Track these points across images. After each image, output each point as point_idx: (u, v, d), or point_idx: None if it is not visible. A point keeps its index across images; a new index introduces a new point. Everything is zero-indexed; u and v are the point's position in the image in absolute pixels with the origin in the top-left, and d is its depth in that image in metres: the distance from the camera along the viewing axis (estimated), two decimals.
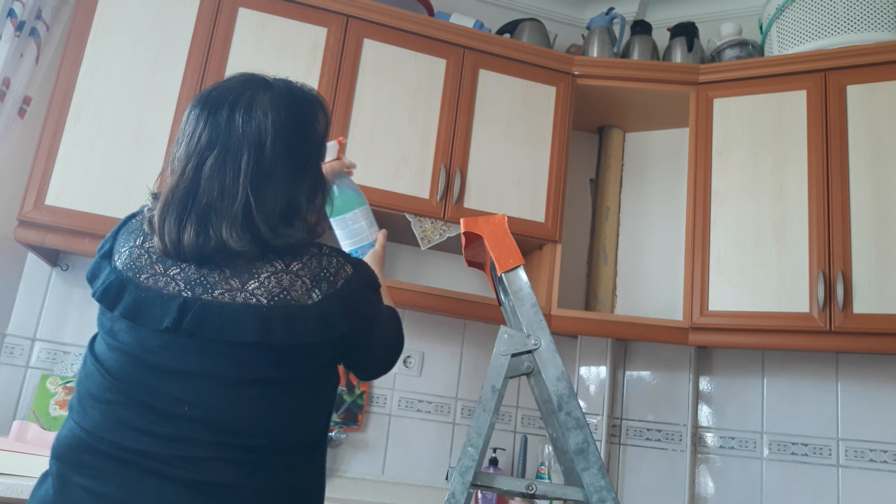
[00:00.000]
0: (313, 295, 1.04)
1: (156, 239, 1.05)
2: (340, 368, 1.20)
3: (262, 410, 1.01)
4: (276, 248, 1.06)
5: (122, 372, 1.01)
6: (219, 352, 1.00)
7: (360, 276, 1.13)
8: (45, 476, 1.03)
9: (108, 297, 1.04)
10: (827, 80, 2.31)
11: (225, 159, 1.04)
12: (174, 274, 1.03)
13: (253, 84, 1.11)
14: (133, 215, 1.16)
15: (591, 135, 2.90)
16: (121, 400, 0.99)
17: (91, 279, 1.09)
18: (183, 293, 1.01)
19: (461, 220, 1.40)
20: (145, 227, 1.09)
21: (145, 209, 1.12)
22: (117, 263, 1.06)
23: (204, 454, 0.97)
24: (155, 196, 1.10)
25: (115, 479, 0.96)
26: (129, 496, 0.95)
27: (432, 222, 2.33)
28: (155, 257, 1.05)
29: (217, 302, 1.01)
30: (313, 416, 1.10)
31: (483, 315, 2.32)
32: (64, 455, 1.00)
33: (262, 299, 1.01)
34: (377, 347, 1.23)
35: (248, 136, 1.05)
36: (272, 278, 1.03)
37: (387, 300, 1.32)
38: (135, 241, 1.08)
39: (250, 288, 1.02)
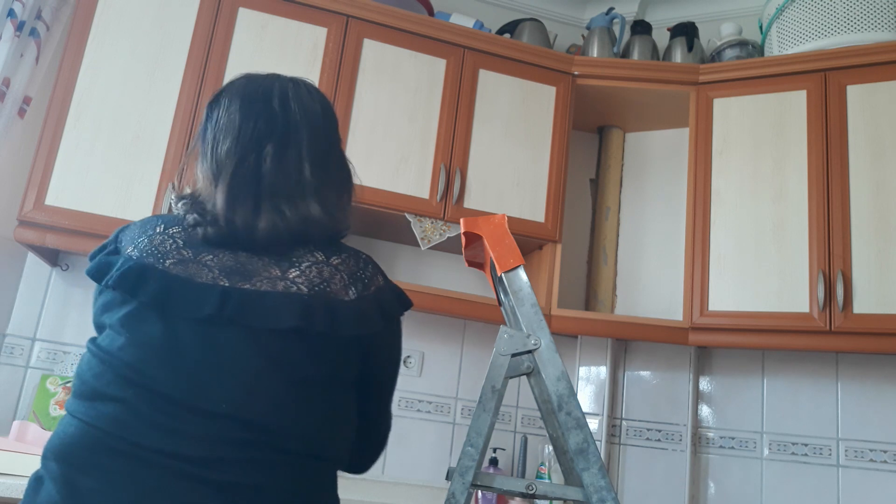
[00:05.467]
0: (350, 292, 1.03)
1: (209, 230, 1.01)
2: None
3: (299, 411, 0.97)
4: (337, 231, 1.08)
5: (143, 366, 0.93)
6: (257, 344, 0.95)
7: (392, 290, 1.12)
8: (38, 480, 0.94)
9: (127, 282, 0.97)
10: (827, 80, 2.32)
11: (286, 144, 1.06)
12: (207, 261, 0.99)
13: (282, 77, 1.14)
14: (130, 224, 1.11)
15: (591, 135, 2.90)
16: (142, 396, 0.92)
17: (99, 273, 1.02)
18: (219, 281, 0.97)
19: (461, 220, 1.40)
20: (188, 218, 1.03)
21: (179, 207, 1.06)
22: (132, 253, 1.00)
23: (241, 455, 0.92)
24: (183, 198, 1.07)
25: (133, 482, 0.89)
26: (150, 500, 0.88)
27: (432, 222, 2.33)
28: (182, 242, 1.01)
29: (256, 290, 0.97)
30: (343, 428, 1.06)
31: (483, 315, 2.32)
32: (70, 456, 0.92)
33: (302, 287, 0.99)
34: (392, 389, 1.19)
35: (304, 121, 1.09)
36: (313, 268, 1.02)
37: None
38: (153, 230, 1.03)
39: (291, 276, 1.00)
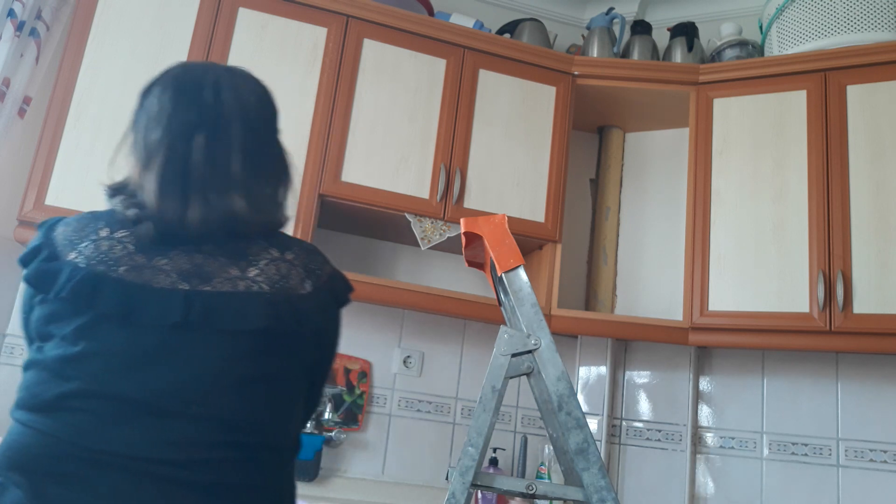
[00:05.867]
0: (306, 285, 1.05)
1: (147, 224, 0.99)
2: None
3: (270, 407, 0.99)
4: (269, 225, 1.07)
5: (107, 375, 0.92)
6: (224, 344, 0.96)
7: (339, 277, 1.14)
8: (1, 485, 0.90)
9: (82, 294, 0.94)
10: (827, 80, 2.31)
11: (216, 133, 1.04)
12: (162, 265, 0.97)
13: (218, 67, 1.13)
14: (56, 221, 1.05)
15: (591, 135, 2.90)
16: (109, 405, 0.91)
17: (42, 282, 0.97)
18: (178, 285, 0.96)
19: (461, 220, 1.40)
20: (129, 213, 1.01)
21: (116, 202, 1.04)
22: (77, 260, 0.97)
23: (214, 455, 0.92)
24: (114, 189, 1.05)
25: (105, 488, 0.88)
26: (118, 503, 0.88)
27: (432, 222, 2.33)
28: (133, 247, 0.98)
29: (219, 292, 0.97)
30: (296, 417, 1.09)
31: (483, 315, 2.32)
32: (31, 465, 0.89)
33: (264, 286, 1.00)
34: (329, 372, 1.23)
35: (236, 111, 1.07)
36: (271, 266, 1.03)
37: None
38: (97, 234, 0.99)
39: (251, 275, 1.00)
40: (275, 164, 1.13)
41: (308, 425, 2.34)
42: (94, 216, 1.03)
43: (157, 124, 1.04)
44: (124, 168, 1.07)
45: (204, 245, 1.01)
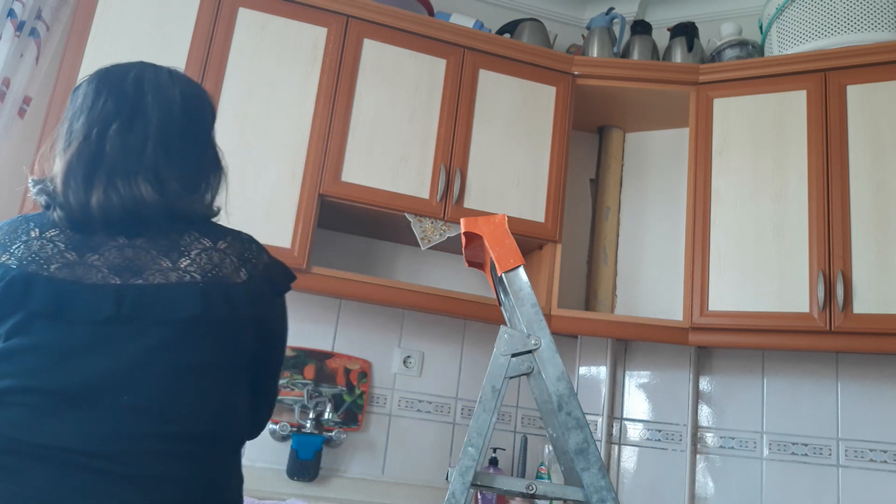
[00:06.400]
0: (241, 273, 1.06)
1: (58, 212, 1.01)
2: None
3: (203, 396, 0.99)
4: (186, 214, 1.07)
5: (41, 372, 0.93)
6: (155, 334, 0.97)
7: (278, 265, 1.15)
8: None
9: (13, 294, 0.96)
10: (827, 80, 2.31)
11: (132, 123, 1.07)
12: (93, 261, 0.99)
13: (145, 63, 1.16)
14: None
15: (591, 135, 2.90)
16: (43, 400, 0.92)
17: None
18: (110, 280, 0.98)
19: (461, 220, 1.40)
20: (39, 199, 1.04)
21: (33, 191, 1.06)
22: (9, 262, 0.98)
23: (148, 446, 0.93)
24: (37, 182, 1.06)
25: (40, 480, 0.89)
26: (54, 496, 0.88)
27: (432, 222, 2.33)
28: (63, 245, 1.00)
29: (151, 284, 0.99)
30: (244, 408, 1.09)
31: (483, 315, 2.32)
32: None
33: (196, 275, 1.01)
34: (281, 364, 1.22)
35: (156, 103, 1.09)
36: (203, 255, 1.04)
37: None
38: (28, 235, 1.01)
39: (182, 265, 1.02)
40: (198, 157, 1.14)
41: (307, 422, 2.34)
42: (26, 218, 1.05)
43: (79, 115, 1.08)
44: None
45: (136, 239, 1.02)
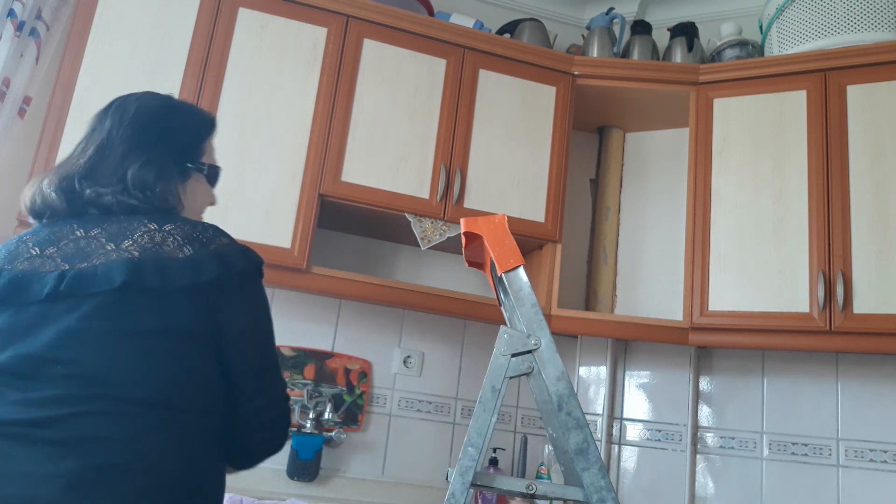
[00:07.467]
0: (185, 250, 1.10)
1: (36, 201, 1.19)
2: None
3: (138, 361, 1.03)
4: (144, 210, 1.16)
5: None
6: (90, 305, 1.04)
7: (237, 247, 1.16)
8: None
9: None
10: (827, 80, 2.31)
11: (108, 138, 1.21)
12: (51, 253, 1.10)
13: (134, 93, 1.30)
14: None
15: (591, 135, 2.90)
16: None
17: None
18: (61, 267, 1.08)
19: (461, 220, 1.40)
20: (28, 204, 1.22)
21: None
22: None
23: (80, 409, 0.97)
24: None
25: None
26: None
27: (432, 222, 2.33)
28: (31, 244, 1.13)
29: (91, 265, 1.07)
30: (194, 379, 1.07)
31: (483, 315, 2.32)
32: None
33: (134, 252, 1.08)
34: (259, 359, 1.18)
35: (127, 119, 1.23)
36: (145, 236, 1.11)
37: None
38: (14, 241, 1.16)
39: (124, 246, 1.09)
40: (160, 162, 1.22)
41: (296, 415, 2.34)
42: (26, 232, 1.20)
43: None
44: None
45: (91, 230, 1.13)
